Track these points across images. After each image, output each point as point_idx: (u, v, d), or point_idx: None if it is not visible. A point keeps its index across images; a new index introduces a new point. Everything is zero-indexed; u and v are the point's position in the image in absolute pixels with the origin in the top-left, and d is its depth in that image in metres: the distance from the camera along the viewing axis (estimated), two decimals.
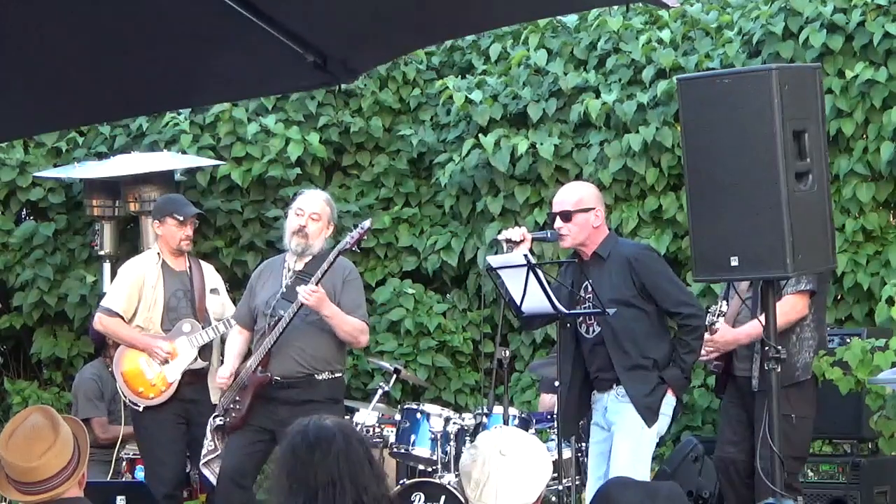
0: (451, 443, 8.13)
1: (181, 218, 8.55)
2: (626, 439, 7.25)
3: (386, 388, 8.93)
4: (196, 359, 8.53)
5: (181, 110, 10.88)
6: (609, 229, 7.65)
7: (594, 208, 7.38)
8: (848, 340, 7.71)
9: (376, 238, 10.84)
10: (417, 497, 7.85)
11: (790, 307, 7.37)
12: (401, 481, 8.32)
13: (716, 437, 8.64)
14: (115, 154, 10.86)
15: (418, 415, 8.32)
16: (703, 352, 7.51)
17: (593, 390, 7.47)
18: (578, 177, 9.98)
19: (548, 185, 10.14)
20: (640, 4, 9.52)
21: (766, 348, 6.99)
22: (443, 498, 7.82)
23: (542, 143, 10.14)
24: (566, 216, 7.34)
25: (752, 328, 7.42)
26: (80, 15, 4.09)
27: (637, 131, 9.85)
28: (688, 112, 7.08)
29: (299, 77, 4.26)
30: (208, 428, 8.08)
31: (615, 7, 10.18)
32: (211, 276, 8.80)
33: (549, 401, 8.81)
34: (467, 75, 10.88)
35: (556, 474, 7.73)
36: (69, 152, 11.23)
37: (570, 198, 7.42)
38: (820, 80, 7.25)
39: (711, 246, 6.95)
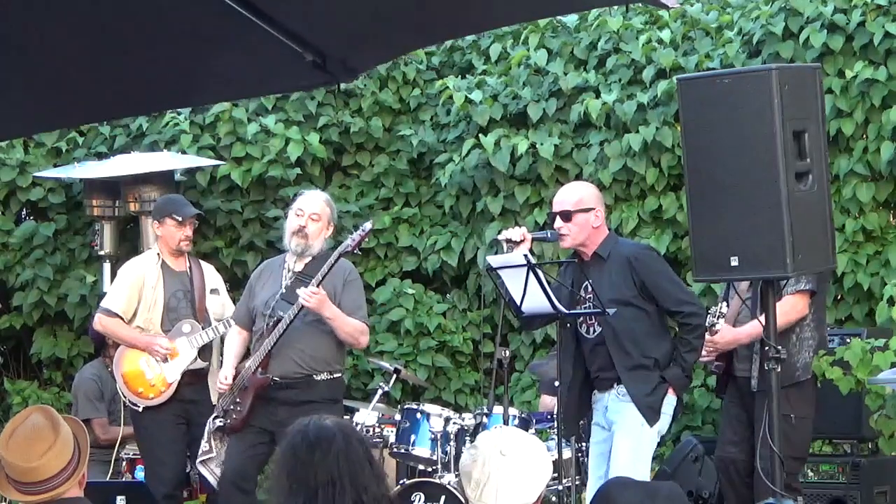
0: (451, 443, 8.13)
1: (180, 218, 8.55)
2: (627, 438, 7.25)
3: (386, 388, 8.92)
4: (196, 359, 8.53)
5: (181, 110, 10.88)
6: (609, 229, 7.65)
7: (594, 208, 7.38)
8: (848, 340, 7.71)
9: (376, 238, 10.84)
10: (417, 497, 7.85)
11: (790, 307, 7.37)
12: (401, 481, 8.31)
13: (716, 437, 8.64)
14: (115, 154, 10.86)
15: (418, 415, 8.32)
16: (703, 352, 7.52)
17: (594, 390, 7.47)
18: (578, 177, 9.98)
19: (548, 185, 10.14)
20: (640, 5, 9.52)
21: (766, 348, 6.99)
22: (443, 498, 7.82)
23: (542, 143, 10.14)
24: (566, 216, 7.34)
25: (753, 328, 7.42)
26: (80, 15, 4.09)
27: (637, 131, 9.85)
28: (688, 112, 7.08)
29: (299, 77, 4.27)
30: (207, 429, 8.08)
31: (615, 7, 10.18)
32: (211, 276, 8.80)
33: (549, 402, 8.80)
34: (467, 75, 10.88)
35: (556, 474, 7.73)
36: (69, 152, 11.23)
37: (570, 198, 7.42)
38: (820, 80, 7.25)
39: (711, 246, 6.95)
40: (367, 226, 7.86)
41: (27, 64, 4.31)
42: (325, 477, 3.90)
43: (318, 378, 7.87)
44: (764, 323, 7.09)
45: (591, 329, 7.38)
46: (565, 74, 10.28)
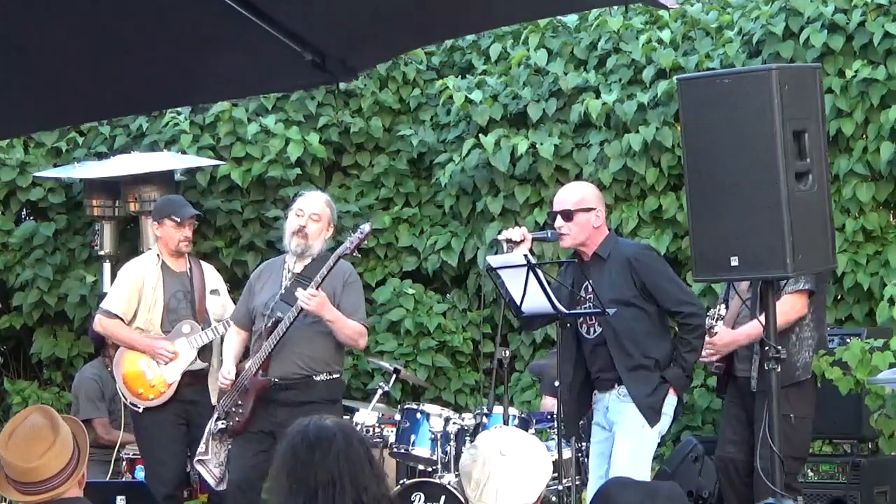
0: (451, 443, 8.13)
1: (179, 219, 8.55)
2: (628, 439, 7.25)
3: (386, 388, 8.92)
4: (195, 360, 8.53)
5: (181, 111, 10.88)
6: (609, 230, 7.65)
7: (595, 208, 7.38)
8: (848, 340, 7.71)
9: (376, 238, 10.84)
10: (417, 497, 7.85)
11: (789, 307, 7.38)
12: (401, 481, 8.32)
13: (716, 437, 8.64)
14: (115, 154, 10.86)
15: (418, 415, 8.32)
16: (703, 353, 7.52)
17: (594, 390, 7.47)
18: (578, 177, 9.98)
19: (548, 185, 10.14)
20: (640, 5, 9.52)
21: (766, 348, 6.99)
22: (443, 498, 7.82)
23: (542, 143, 10.14)
24: (567, 215, 7.34)
25: (751, 328, 7.42)
26: (80, 15, 4.09)
27: (637, 131, 9.85)
28: (688, 112, 7.08)
29: (298, 76, 4.26)
30: (207, 430, 8.07)
31: (615, 7, 10.18)
32: (211, 276, 8.79)
33: (551, 403, 8.80)
34: (467, 75, 10.88)
35: (556, 474, 7.73)
36: (69, 152, 11.23)
37: (571, 197, 7.42)
38: (820, 80, 7.25)
39: (711, 246, 6.96)
40: (366, 228, 7.86)
41: (27, 63, 4.30)
42: (326, 477, 3.90)
43: (318, 379, 7.87)
44: (763, 323, 7.09)
45: (592, 329, 7.38)
46: (565, 74, 10.28)
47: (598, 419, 7.46)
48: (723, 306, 7.64)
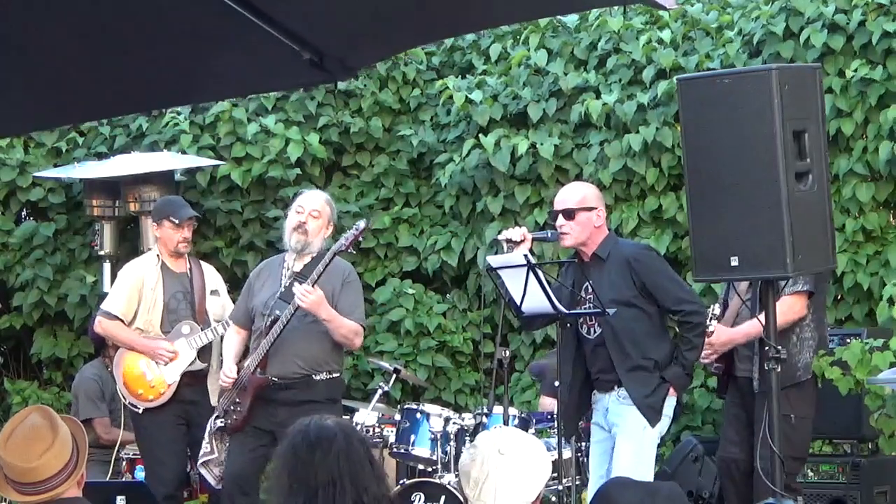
0: (451, 443, 8.13)
1: (177, 221, 8.54)
2: (629, 441, 7.24)
3: (386, 388, 8.92)
4: (195, 360, 8.53)
5: (181, 111, 10.89)
6: (609, 230, 7.64)
7: (596, 208, 7.38)
8: (848, 340, 7.72)
9: (376, 238, 10.84)
10: (417, 497, 7.85)
11: (787, 308, 7.37)
12: (401, 481, 8.32)
13: (716, 437, 8.64)
14: (115, 154, 10.86)
15: (418, 415, 8.32)
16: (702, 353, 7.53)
17: (593, 390, 7.47)
18: (578, 177, 9.98)
19: (548, 185, 10.14)
20: (640, 5, 9.51)
21: (767, 349, 6.99)
22: (443, 498, 7.82)
23: (542, 144, 10.14)
24: (569, 214, 7.34)
25: (749, 327, 7.43)
26: (80, 15, 4.09)
27: (637, 131, 9.85)
28: (688, 112, 7.08)
29: (296, 75, 4.26)
30: (207, 430, 8.08)
31: (615, 7, 10.17)
32: (211, 277, 8.79)
33: (549, 403, 8.80)
34: (467, 75, 10.88)
35: (555, 474, 7.73)
36: (69, 152, 11.23)
37: (573, 196, 7.42)
38: (820, 80, 7.25)
39: (711, 246, 6.95)
40: (361, 224, 7.85)
41: (27, 63, 4.31)
42: (326, 477, 3.90)
43: (318, 378, 7.87)
44: (762, 322, 7.09)
45: (592, 330, 7.38)
46: (565, 74, 10.28)
47: (597, 419, 7.46)
48: (717, 305, 7.65)
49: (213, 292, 8.71)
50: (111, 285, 9.19)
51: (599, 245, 7.37)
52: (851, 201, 9.34)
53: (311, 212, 7.95)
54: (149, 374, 8.49)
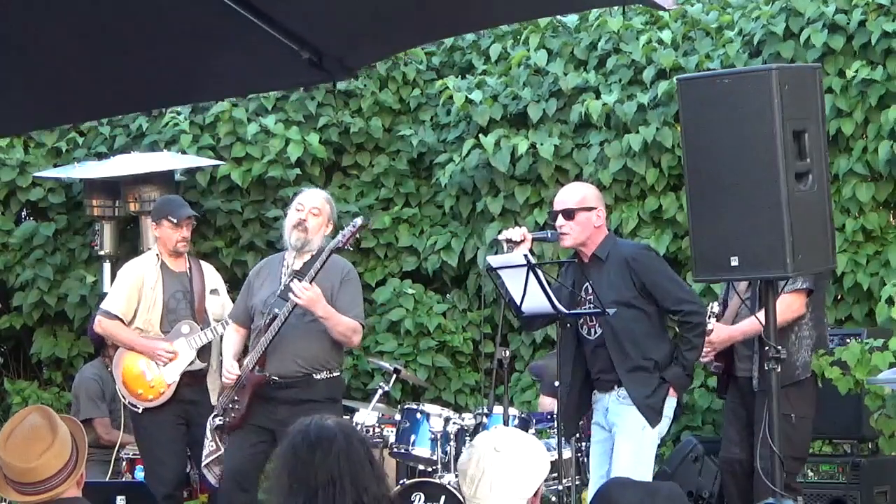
0: (451, 443, 8.13)
1: (175, 220, 8.54)
2: (628, 442, 7.24)
3: (386, 388, 8.93)
4: (195, 360, 8.53)
5: (181, 111, 10.89)
6: (609, 231, 7.64)
7: (596, 208, 7.38)
8: (848, 341, 7.72)
9: (376, 238, 10.84)
10: (417, 497, 7.85)
11: (787, 306, 7.37)
12: (401, 481, 8.32)
13: (716, 437, 8.65)
14: (115, 154, 10.87)
15: (418, 415, 8.32)
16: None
17: (593, 390, 7.47)
18: (578, 177, 9.98)
19: (548, 185, 10.14)
20: (640, 5, 9.51)
21: (767, 348, 6.99)
22: (443, 498, 7.82)
23: (542, 144, 10.14)
24: (569, 214, 7.34)
25: (748, 325, 7.44)
26: (80, 14, 4.09)
27: (637, 132, 9.85)
28: (688, 112, 7.08)
29: (295, 75, 4.27)
30: (208, 428, 8.08)
31: (615, 7, 10.17)
32: (211, 276, 8.79)
33: (549, 403, 8.80)
34: (467, 75, 10.88)
35: (555, 474, 7.73)
36: (69, 152, 11.23)
37: (572, 196, 7.42)
38: (820, 80, 7.25)
39: (711, 246, 6.95)
40: (359, 221, 7.84)
41: (27, 62, 4.31)
42: (326, 477, 3.90)
43: (318, 377, 7.86)
44: (760, 320, 7.10)
45: (592, 331, 7.38)
46: (565, 75, 10.28)
47: (597, 419, 7.46)
48: (716, 303, 7.65)
49: (213, 292, 8.71)
50: (111, 285, 9.18)
51: (599, 245, 7.36)
52: (851, 201, 9.34)
53: (311, 209, 7.95)
54: (148, 374, 8.49)
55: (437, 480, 8.01)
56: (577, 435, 7.94)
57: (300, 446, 3.96)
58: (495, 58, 10.76)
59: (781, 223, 6.74)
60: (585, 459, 7.89)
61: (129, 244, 10.73)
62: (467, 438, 8.05)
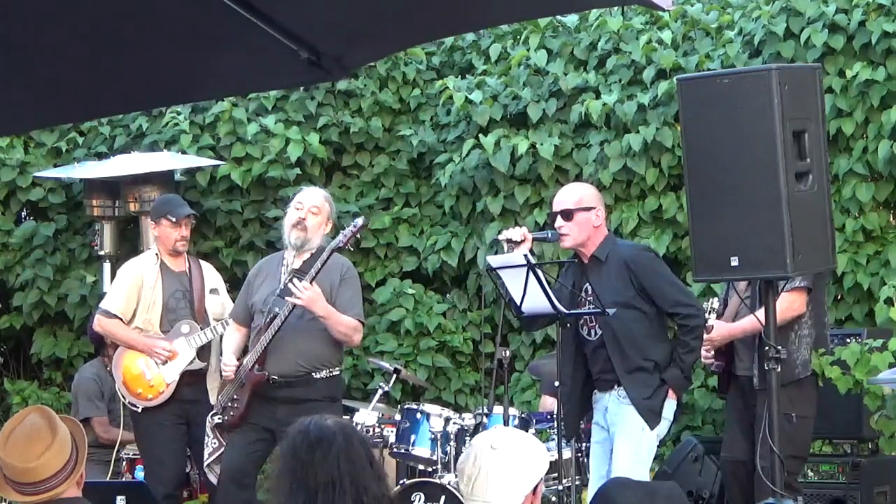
0: (451, 443, 8.13)
1: (174, 219, 8.54)
2: (627, 442, 7.24)
3: (386, 388, 8.92)
4: (194, 359, 8.53)
5: (181, 111, 10.89)
6: (608, 231, 7.64)
7: (595, 207, 7.38)
8: (848, 341, 7.72)
9: (376, 238, 10.84)
10: (417, 497, 7.84)
11: (787, 305, 7.37)
12: (401, 481, 8.31)
13: (716, 437, 8.65)
14: (115, 154, 10.87)
15: (418, 415, 8.32)
16: (702, 351, 7.53)
17: (594, 390, 7.47)
18: (578, 177, 9.98)
19: (548, 185, 10.14)
20: (640, 5, 9.51)
21: (767, 348, 6.99)
22: (443, 498, 7.82)
23: (542, 144, 10.14)
24: (567, 215, 7.34)
25: (747, 322, 7.44)
26: (81, 15, 4.09)
27: (637, 132, 9.85)
28: (688, 112, 7.08)
29: (294, 74, 4.27)
30: (207, 426, 8.08)
31: (615, 7, 10.17)
32: (211, 276, 8.79)
33: (550, 402, 8.80)
34: (467, 75, 10.88)
35: (555, 474, 7.73)
36: (69, 152, 11.23)
37: (570, 197, 7.42)
38: (820, 80, 7.25)
39: (711, 246, 6.96)
40: (359, 221, 7.85)
41: (27, 62, 4.31)
42: (326, 477, 3.90)
43: (317, 376, 7.87)
44: (759, 319, 7.10)
45: (592, 332, 7.38)
46: (565, 75, 10.28)
47: (597, 419, 7.46)
48: (716, 300, 7.65)
49: (213, 291, 8.71)
50: (111, 285, 9.18)
51: (598, 246, 7.36)
52: (851, 201, 9.34)
53: (310, 208, 7.96)
54: (148, 374, 8.49)
55: (437, 480, 8.01)
56: (577, 435, 7.93)
57: (300, 446, 3.95)
58: (495, 58, 10.75)
59: (781, 223, 6.74)
60: (585, 459, 7.89)
61: (129, 244, 10.74)
62: (467, 438, 8.05)
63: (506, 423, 7.44)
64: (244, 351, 8.12)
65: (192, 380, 8.54)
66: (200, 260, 8.97)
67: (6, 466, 4.36)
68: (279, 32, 3.99)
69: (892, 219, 9.57)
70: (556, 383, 7.31)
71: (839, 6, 9.35)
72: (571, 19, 10.49)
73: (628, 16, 10.32)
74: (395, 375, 8.98)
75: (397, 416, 8.46)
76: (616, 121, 10.02)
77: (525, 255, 7.10)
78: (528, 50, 10.46)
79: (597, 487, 6.80)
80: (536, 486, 4.29)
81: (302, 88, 10.74)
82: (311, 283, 7.68)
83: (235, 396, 7.94)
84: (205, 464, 8.12)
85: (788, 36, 9.48)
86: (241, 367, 7.95)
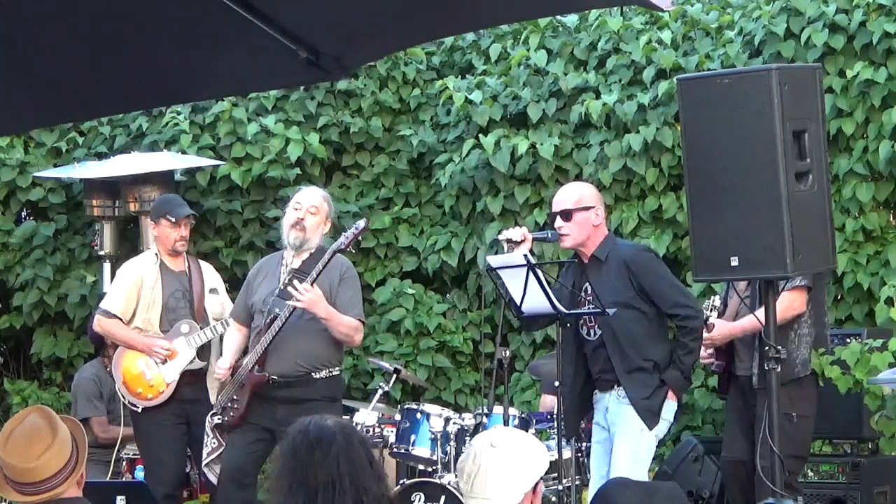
0: (451, 443, 8.13)
1: (174, 219, 8.54)
2: (626, 442, 7.24)
3: (386, 388, 8.92)
4: (194, 359, 8.53)
5: (181, 111, 10.89)
6: (609, 230, 7.64)
7: (594, 207, 7.38)
8: (848, 340, 7.72)
9: (376, 238, 10.84)
10: (417, 497, 7.84)
11: (787, 304, 7.38)
12: (401, 481, 8.31)
13: (716, 437, 8.65)
14: (115, 154, 10.87)
15: (418, 415, 8.32)
16: (702, 351, 7.52)
17: (594, 390, 7.47)
18: (578, 177, 9.98)
19: (548, 185, 10.13)
20: (639, 6, 9.50)
21: (767, 348, 6.99)
22: (443, 498, 7.82)
23: (542, 144, 10.14)
24: (566, 215, 7.34)
25: (748, 322, 7.44)
26: (81, 14, 4.09)
27: (637, 132, 9.85)
28: (688, 112, 7.08)
29: (293, 74, 4.27)
30: (207, 426, 8.08)
31: (615, 7, 10.17)
32: (210, 276, 8.79)
33: (550, 402, 8.80)
34: (467, 75, 10.88)
35: (556, 474, 7.73)
36: (69, 152, 11.23)
37: (569, 197, 7.42)
38: (820, 80, 7.25)
39: (711, 246, 6.96)
40: (361, 224, 7.86)
41: (27, 61, 4.31)
42: (326, 477, 3.89)
43: (317, 376, 7.87)
44: (759, 318, 7.09)
45: (592, 331, 7.38)
46: (565, 75, 10.28)
47: (598, 419, 7.46)
48: (717, 297, 7.65)
49: (212, 291, 8.72)
50: (110, 286, 9.18)
51: (598, 246, 7.36)
52: (851, 201, 9.34)
53: (308, 208, 7.96)
54: (148, 373, 8.49)
55: (437, 480, 8.01)
56: (578, 435, 7.93)
57: (300, 446, 3.95)
58: (495, 58, 10.75)
59: (781, 223, 6.74)
60: (585, 459, 7.89)
61: (129, 244, 10.74)
62: (467, 438, 8.05)
63: (506, 423, 7.44)
64: (244, 351, 8.12)
65: (192, 379, 8.54)
66: (200, 260, 8.97)
67: (6, 466, 4.36)
68: (278, 32, 3.99)
69: (892, 219, 9.57)
70: (557, 383, 7.31)
71: (839, 6, 9.35)
72: (571, 19, 10.49)
73: (628, 16, 10.33)
74: (395, 375, 8.98)
75: (397, 416, 8.46)
76: (616, 121, 10.02)
77: (525, 255, 7.10)
78: (528, 50, 10.46)
79: (597, 487, 6.81)
80: (536, 485, 4.30)
81: (302, 88, 10.74)
82: (311, 284, 7.68)
83: (235, 397, 7.94)
84: (203, 463, 8.12)
85: (789, 36, 9.48)
86: (241, 368, 7.95)
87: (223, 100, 10.60)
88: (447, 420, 8.23)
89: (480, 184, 10.50)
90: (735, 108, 6.85)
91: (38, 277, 11.06)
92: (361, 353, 10.37)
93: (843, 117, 9.32)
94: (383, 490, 3.98)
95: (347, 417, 8.46)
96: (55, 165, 11.08)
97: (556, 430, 7.54)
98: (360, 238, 8.00)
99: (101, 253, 10.75)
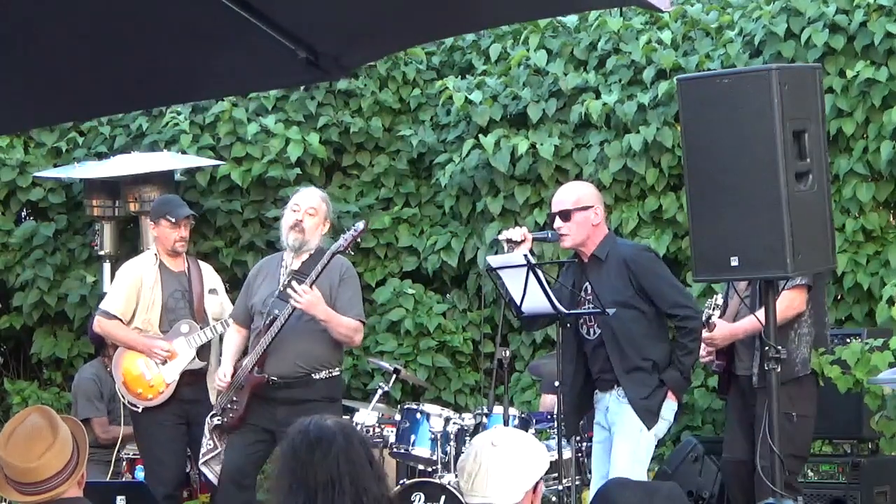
0: (451, 443, 8.13)
1: (174, 219, 8.54)
2: (625, 442, 7.25)
3: (386, 388, 8.92)
4: (194, 359, 8.53)
5: (181, 111, 10.89)
6: (608, 230, 7.64)
7: (593, 206, 7.38)
8: (848, 340, 7.72)
9: (376, 238, 10.84)
10: (417, 497, 7.84)
11: (788, 303, 7.37)
12: (401, 481, 8.31)
13: (716, 437, 8.65)
14: (115, 154, 10.87)
15: (418, 415, 8.32)
16: (702, 351, 7.52)
17: (595, 390, 7.47)
18: (578, 177, 9.98)
19: (548, 185, 10.13)
20: (638, 6, 9.50)
21: (767, 348, 6.99)
22: (443, 498, 7.82)
23: (542, 144, 10.14)
24: (565, 215, 7.34)
25: (749, 322, 7.43)
26: (81, 14, 4.09)
27: (637, 132, 9.85)
28: (688, 112, 7.08)
29: (293, 74, 4.26)
30: (206, 427, 8.08)
31: (615, 8, 10.17)
32: (210, 276, 8.79)
33: (550, 401, 8.80)
34: (467, 75, 10.88)
35: (556, 474, 7.73)
36: (69, 152, 11.23)
37: (568, 197, 7.42)
38: (820, 80, 7.25)
39: (711, 246, 6.96)
40: (360, 225, 7.87)
41: (27, 61, 4.31)
42: (326, 477, 3.90)
43: (317, 377, 7.87)
44: (759, 319, 7.09)
45: (592, 331, 7.38)
46: (565, 75, 10.28)
47: (598, 418, 7.46)
48: (719, 296, 7.65)
49: (212, 291, 8.72)
50: (110, 286, 9.18)
51: (598, 246, 7.36)
52: (851, 201, 9.34)
53: (307, 209, 7.96)
54: (148, 374, 8.49)
55: (437, 480, 8.01)
56: (578, 435, 7.93)
57: (300, 446, 3.95)
58: (495, 58, 10.75)
59: (781, 223, 6.74)
60: (585, 459, 7.89)
61: (129, 244, 10.74)
62: (467, 438, 8.04)
63: (506, 423, 7.44)
64: (244, 352, 8.12)
65: (192, 379, 8.54)
66: (199, 260, 8.97)
67: (7, 466, 4.36)
68: (278, 32, 3.99)
69: (892, 219, 9.57)
70: (557, 383, 7.31)
71: (840, 7, 9.35)
72: (571, 19, 10.49)
73: (628, 16, 10.33)
74: (394, 375, 8.98)
75: (397, 416, 8.46)
76: (616, 121, 10.02)
77: (525, 255, 7.11)
78: (528, 50, 10.46)
79: (598, 486, 6.81)
80: (537, 485, 4.30)
81: (302, 88, 10.74)
82: (311, 286, 7.68)
83: (235, 398, 7.94)
84: (200, 462, 8.12)
85: (789, 36, 9.48)
86: (241, 370, 7.95)
87: (223, 100, 10.60)
88: (447, 420, 8.23)
89: (480, 184, 10.50)
90: (735, 108, 6.85)
91: (38, 277, 11.06)
92: (361, 354, 10.37)
93: (844, 117, 9.32)
94: (383, 490, 3.98)
95: (347, 417, 8.46)
96: (55, 165, 11.08)
97: (556, 430, 7.53)
98: (359, 240, 8.00)
99: (101, 253, 10.76)
